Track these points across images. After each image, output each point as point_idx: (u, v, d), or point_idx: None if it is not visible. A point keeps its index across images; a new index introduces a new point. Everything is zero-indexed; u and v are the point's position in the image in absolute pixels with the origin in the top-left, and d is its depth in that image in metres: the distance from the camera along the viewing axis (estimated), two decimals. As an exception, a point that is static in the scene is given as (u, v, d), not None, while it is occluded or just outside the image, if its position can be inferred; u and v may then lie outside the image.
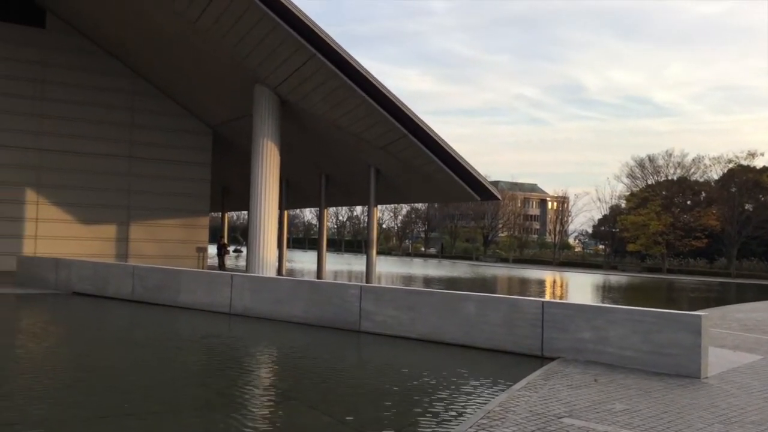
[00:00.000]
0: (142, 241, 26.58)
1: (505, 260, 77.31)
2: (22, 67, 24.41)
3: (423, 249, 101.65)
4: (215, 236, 41.05)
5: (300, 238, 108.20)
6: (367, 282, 22.15)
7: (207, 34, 19.29)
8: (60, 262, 17.79)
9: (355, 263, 52.78)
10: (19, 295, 16.50)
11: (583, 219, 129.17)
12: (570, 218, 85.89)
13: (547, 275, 48.97)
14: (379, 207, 27.23)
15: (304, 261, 51.58)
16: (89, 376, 7.84)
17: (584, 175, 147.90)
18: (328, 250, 30.08)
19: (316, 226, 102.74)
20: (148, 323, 12.78)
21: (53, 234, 24.84)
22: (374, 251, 23.48)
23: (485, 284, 33.26)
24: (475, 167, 20.62)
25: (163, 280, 15.39)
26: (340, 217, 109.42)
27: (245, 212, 50.66)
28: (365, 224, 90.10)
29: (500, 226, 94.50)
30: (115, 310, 14.47)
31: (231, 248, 32.24)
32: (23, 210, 24.54)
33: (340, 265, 49.50)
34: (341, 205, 58.86)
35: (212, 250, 31.91)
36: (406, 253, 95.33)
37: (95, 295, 16.42)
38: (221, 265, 28.18)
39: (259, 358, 9.84)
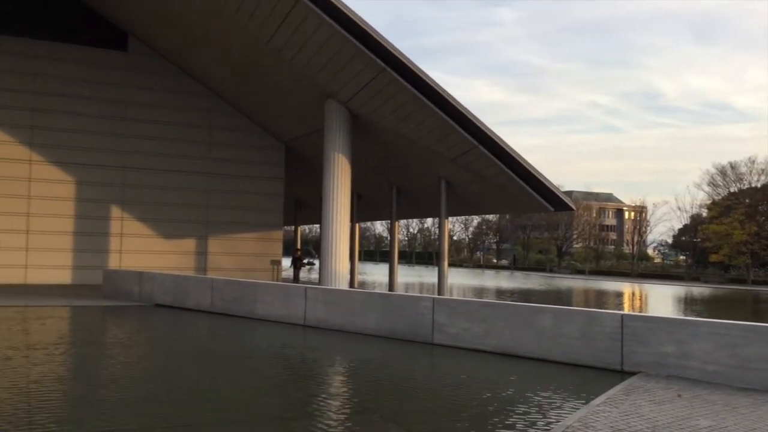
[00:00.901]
0: (219, 254, 27.37)
1: (580, 272, 75.53)
2: (107, 89, 25.67)
3: (495, 261, 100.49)
4: (288, 249, 41.83)
5: (371, 251, 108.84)
6: (439, 294, 22.07)
7: (279, 54, 19.77)
8: (143, 275, 18.50)
9: (426, 275, 52.67)
10: (106, 307, 17.24)
11: (662, 229, 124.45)
12: (648, 228, 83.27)
13: (626, 287, 47.55)
14: (450, 219, 27.10)
15: (375, 273, 51.84)
16: (172, 385, 8.11)
17: (662, 183, 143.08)
18: (399, 263, 30.14)
19: (386, 238, 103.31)
20: (226, 334, 13.12)
21: (136, 248, 25.93)
22: (446, 263, 23.38)
23: (560, 296, 32.58)
24: (548, 177, 20.30)
25: (239, 293, 15.78)
26: (411, 230, 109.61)
27: (317, 225, 51.48)
28: (436, 236, 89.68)
29: (575, 236, 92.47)
30: (194, 321, 14.93)
31: (305, 260, 32.73)
32: (109, 226, 25.70)
33: (411, 277, 49.50)
34: (412, 218, 58.97)
35: (286, 262, 32.50)
36: (478, 265, 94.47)
37: (176, 306, 16.99)
38: (296, 278, 28.66)
39: (334, 370, 9.95)
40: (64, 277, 24.79)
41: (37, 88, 24.68)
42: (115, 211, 25.83)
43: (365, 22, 17.69)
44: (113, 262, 25.31)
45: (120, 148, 25.85)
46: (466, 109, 18.83)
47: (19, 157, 24.34)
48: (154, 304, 17.59)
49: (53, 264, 24.66)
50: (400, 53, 18.07)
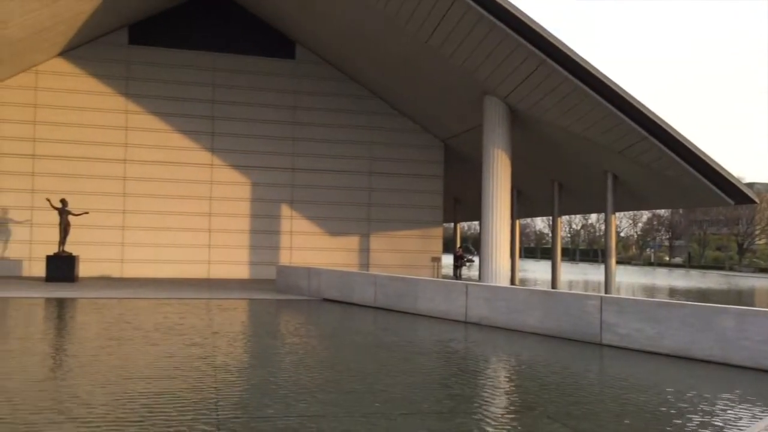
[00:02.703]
0: (381, 251, 28.15)
1: (764, 270, 69.02)
2: (277, 96, 27.32)
3: (667, 258, 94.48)
4: (448, 247, 42.06)
5: (531, 248, 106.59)
6: (606, 293, 21.18)
7: (437, 52, 19.93)
8: (312, 270, 19.46)
9: (591, 273, 50.68)
10: (279, 300, 18.35)
11: None
12: None
13: (820, 288, 42.77)
14: (617, 214, 25.91)
15: (536, 270, 50.72)
16: (341, 376, 8.47)
17: None
18: (561, 260, 29.27)
19: (548, 235, 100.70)
20: (390, 329, 13.47)
21: (305, 245, 27.36)
22: (613, 260, 22.37)
23: (743, 297, 30.02)
24: (727, 168, 18.77)
25: (402, 289, 16.12)
26: (574, 226, 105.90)
27: (476, 222, 51.35)
28: (601, 233, 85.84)
29: (757, 232, 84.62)
30: (359, 315, 15.46)
31: (466, 257, 32.70)
32: (280, 224, 27.34)
33: (575, 275, 47.86)
34: (575, 213, 56.84)
35: (446, 259, 32.72)
36: (648, 263, 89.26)
37: (342, 301, 17.70)
38: (457, 275, 28.77)
39: (496, 367, 9.89)
40: (242, 272, 26.72)
41: (216, 98, 26.79)
42: (286, 210, 27.41)
43: (524, 13, 17.36)
44: (284, 259, 26.89)
45: (289, 150, 27.40)
46: (633, 97, 17.88)
47: (202, 162, 26.55)
48: (322, 298, 18.45)
49: (232, 260, 26.67)
50: (561, 43, 17.54)
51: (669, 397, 7.68)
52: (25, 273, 24.60)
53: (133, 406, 6.63)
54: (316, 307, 16.92)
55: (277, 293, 19.88)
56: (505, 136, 20.63)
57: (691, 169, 18.58)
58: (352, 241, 28.10)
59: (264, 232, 27.12)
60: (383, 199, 28.30)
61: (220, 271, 26.46)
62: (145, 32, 26.19)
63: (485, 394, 7.70)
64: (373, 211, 28.27)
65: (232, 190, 26.84)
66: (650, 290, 31.94)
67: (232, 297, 18.67)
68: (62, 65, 25.37)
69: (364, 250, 28.12)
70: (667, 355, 10.33)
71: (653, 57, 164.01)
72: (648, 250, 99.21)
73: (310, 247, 27.43)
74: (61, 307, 15.80)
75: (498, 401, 7.45)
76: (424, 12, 18.67)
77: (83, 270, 23.66)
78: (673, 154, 18.44)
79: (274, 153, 27.24)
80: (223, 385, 7.70)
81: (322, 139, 27.66)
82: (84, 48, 25.54)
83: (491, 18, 17.53)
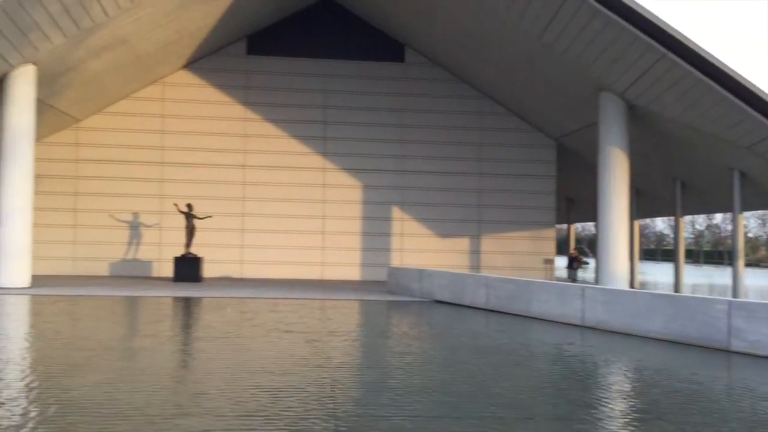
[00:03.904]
0: (492, 253, 27.85)
1: None
2: (387, 99, 27.67)
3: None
4: (561, 248, 41.00)
5: (651, 250, 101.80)
6: (734, 296, 19.95)
7: (550, 49, 19.51)
8: (423, 272, 19.55)
9: (716, 276, 47.85)
10: (390, 301, 18.57)
11: None
12: None
13: None
14: (745, 214, 24.34)
15: (656, 273, 48.46)
16: (454, 378, 8.47)
17: None
18: (684, 262, 27.81)
19: (669, 236, 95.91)
20: (503, 331, 13.32)
21: (415, 247, 27.53)
22: (741, 262, 21.03)
23: None
24: None
25: (514, 291, 15.89)
26: (697, 226, 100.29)
27: (591, 223, 49.72)
28: (727, 233, 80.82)
29: None
30: (471, 317, 15.39)
31: (581, 259, 31.68)
32: (390, 226, 27.66)
33: (699, 278, 45.32)
34: (698, 213, 53.90)
35: (560, 262, 31.90)
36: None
37: (453, 303, 17.67)
38: (572, 277, 27.98)
39: (615, 372, 9.55)
40: (354, 273, 27.25)
41: (328, 103, 27.49)
42: (396, 212, 27.70)
43: (641, 6, 16.69)
44: (395, 260, 27.17)
45: (398, 153, 27.68)
46: (761, 89, 16.76)
47: (315, 166, 27.32)
48: (433, 300, 18.49)
49: (344, 262, 27.26)
50: (682, 35, 16.72)
51: (809, 410, 7.14)
52: (155, 273, 26.24)
53: (258, 399, 6.94)
54: (427, 309, 17.00)
55: (388, 294, 20.13)
56: (622, 133, 19.90)
57: (831, 165, 17.19)
58: (462, 243, 27.98)
59: (375, 234, 27.54)
60: (493, 200, 28.01)
61: (332, 273, 27.11)
62: (262, 42, 27.30)
63: (605, 400, 7.46)
64: (484, 212, 28.03)
65: (343, 194, 27.44)
66: (784, 295, 29.75)
67: (345, 298, 19.08)
68: (186, 77, 26.90)
69: (474, 252, 27.93)
70: (806, 365, 9.61)
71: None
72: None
73: (420, 248, 27.58)
74: (187, 305, 16.76)
75: (619, 407, 7.20)
76: (537, 8, 18.34)
77: (207, 271, 24.95)
78: (810, 149, 17.13)
79: (384, 156, 27.60)
80: (339, 382, 7.91)
81: (431, 141, 27.74)
82: (206, 60, 26.96)
83: (607, 12, 16.98)
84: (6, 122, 19.19)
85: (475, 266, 27.67)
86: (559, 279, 28.12)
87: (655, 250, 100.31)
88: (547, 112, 26.25)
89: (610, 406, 7.24)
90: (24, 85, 19.21)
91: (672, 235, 35.37)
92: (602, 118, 20.14)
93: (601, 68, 19.02)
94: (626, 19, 16.90)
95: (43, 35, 18.09)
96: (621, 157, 19.91)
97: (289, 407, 6.69)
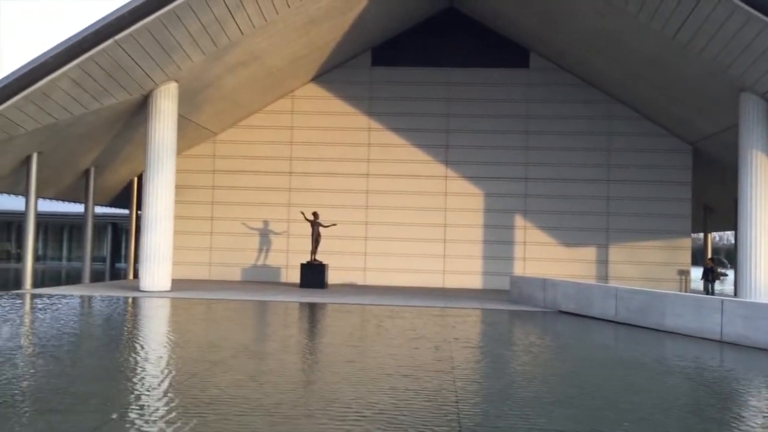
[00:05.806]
0: (621, 263, 26.75)
1: None
2: (511, 106, 27.34)
3: None
4: (696, 259, 38.66)
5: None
6: None
7: (685, 49, 18.55)
8: (547, 282, 19.11)
9: None
10: (513, 311, 18.29)
11: None
12: None
13: None
14: None
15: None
16: (582, 392, 8.22)
17: None
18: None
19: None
20: (634, 345, 12.76)
21: (539, 256, 26.95)
22: None
23: None
24: None
25: (646, 303, 15.18)
26: None
27: (730, 233, 46.57)
28: None
29: None
30: (599, 330, 14.86)
31: (720, 271, 29.74)
32: (513, 234, 27.24)
33: None
34: None
35: (695, 273, 30.11)
36: None
37: (579, 314, 17.14)
38: (709, 290, 26.31)
39: (757, 391, 8.90)
40: (475, 282, 27.06)
41: (451, 111, 27.54)
42: (519, 221, 27.25)
43: (789, -1, 15.52)
44: (518, 269, 26.72)
45: (522, 160, 27.24)
46: None
47: (437, 174, 27.43)
48: (557, 310, 18.03)
49: (466, 270, 27.13)
50: (837, 29, 15.38)
51: None
52: (283, 279, 27.31)
53: (382, 403, 7.08)
54: (552, 319, 16.59)
55: (510, 304, 19.83)
56: (764, 136, 18.60)
57: None
58: (589, 252, 27.06)
59: (497, 242, 27.22)
60: (623, 208, 26.91)
61: (454, 281, 27.06)
62: (386, 53, 27.82)
63: (744, 419, 6.98)
64: (612, 220, 26.99)
65: (465, 202, 27.35)
66: None
67: (467, 306, 18.99)
68: (314, 90, 27.89)
69: (602, 262, 26.94)
70: None
71: None
72: None
73: (544, 257, 26.96)
74: (312, 311, 17.33)
75: (761, 430, 6.71)
76: (671, 6, 17.50)
77: (331, 277, 25.67)
78: None
79: (507, 163, 27.26)
80: (462, 389, 7.90)
81: (556, 147, 27.09)
82: (332, 72, 27.82)
83: (747, 8, 15.93)
84: (151, 136, 20.71)
85: (602, 277, 26.68)
86: (694, 291, 26.54)
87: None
88: (681, 115, 24.92)
89: (752, 426, 6.77)
90: (167, 101, 20.67)
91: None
92: (743, 120, 18.91)
93: (742, 68, 17.85)
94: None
95: (185, 54, 19.41)
96: (763, 162, 18.58)
97: (413, 412, 6.78)
